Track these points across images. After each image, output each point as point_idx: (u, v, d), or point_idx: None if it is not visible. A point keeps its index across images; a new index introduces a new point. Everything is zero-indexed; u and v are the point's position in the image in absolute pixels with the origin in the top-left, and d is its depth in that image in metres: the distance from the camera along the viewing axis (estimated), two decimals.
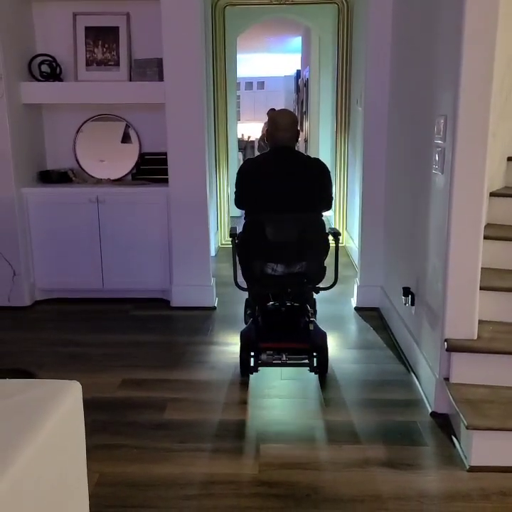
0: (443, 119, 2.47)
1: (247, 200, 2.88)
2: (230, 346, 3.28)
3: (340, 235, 2.96)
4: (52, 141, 4.20)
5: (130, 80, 3.96)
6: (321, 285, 2.91)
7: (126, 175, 4.19)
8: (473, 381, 2.42)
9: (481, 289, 2.46)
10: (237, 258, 2.90)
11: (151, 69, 3.86)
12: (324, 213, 2.92)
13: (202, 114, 3.74)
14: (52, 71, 3.94)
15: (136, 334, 3.52)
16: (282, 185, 2.77)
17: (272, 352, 2.75)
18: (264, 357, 2.75)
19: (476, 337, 2.46)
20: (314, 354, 2.77)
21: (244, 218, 2.91)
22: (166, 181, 3.87)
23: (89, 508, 1.64)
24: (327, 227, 2.91)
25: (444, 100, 2.49)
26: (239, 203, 2.94)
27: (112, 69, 3.99)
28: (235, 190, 2.94)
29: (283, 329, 2.89)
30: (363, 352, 3.26)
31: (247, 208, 2.92)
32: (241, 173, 2.93)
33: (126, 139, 4.19)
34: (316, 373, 2.84)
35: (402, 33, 3.33)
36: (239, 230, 2.95)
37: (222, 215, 5.74)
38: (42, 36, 4.01)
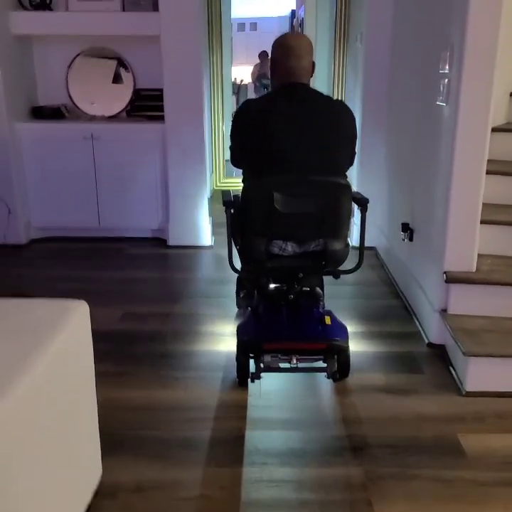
0: (449, 49, 2.41)
1: (248, 156, 2.14)
2: (228, 284, 3.30)
3: (368, 202, 2.19)
4: (44, 76, 4.08)
5: (123, 11, 3.81)
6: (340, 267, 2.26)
7: (121, 111, 4.09)
8: (471, 312, 2.47)
9: (480, 222, 2.47)
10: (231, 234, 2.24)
11: None
12: None
13: (199, 46, 3.62)
14: (42, 0, 3.78)
15: (134, 272, 3.53)
16: (297, 136, 2.04)
17: (277, 354, 2.16)
18: (267, 360, 2.13)
19: (475, 269, 2.49)
20: (333, 355, 2.18)
21: (243, 181, 2.19)
22: (162, 118, 3.78)
23: None
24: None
25: (451, 29, 2.42)
26: (235, 160, 2.24)
27: None
28: (230, 144, 2.23)
29: (292, 324, 2.25)
30: (360, 288, 3.30)
31: (247, 168, 2.19)
32: (238, 120, 2.14)
33: (119, 75, 4.06)
34: (335, 380, 2.30)
35: None
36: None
37: (217, 157, 5.66)
38: None
